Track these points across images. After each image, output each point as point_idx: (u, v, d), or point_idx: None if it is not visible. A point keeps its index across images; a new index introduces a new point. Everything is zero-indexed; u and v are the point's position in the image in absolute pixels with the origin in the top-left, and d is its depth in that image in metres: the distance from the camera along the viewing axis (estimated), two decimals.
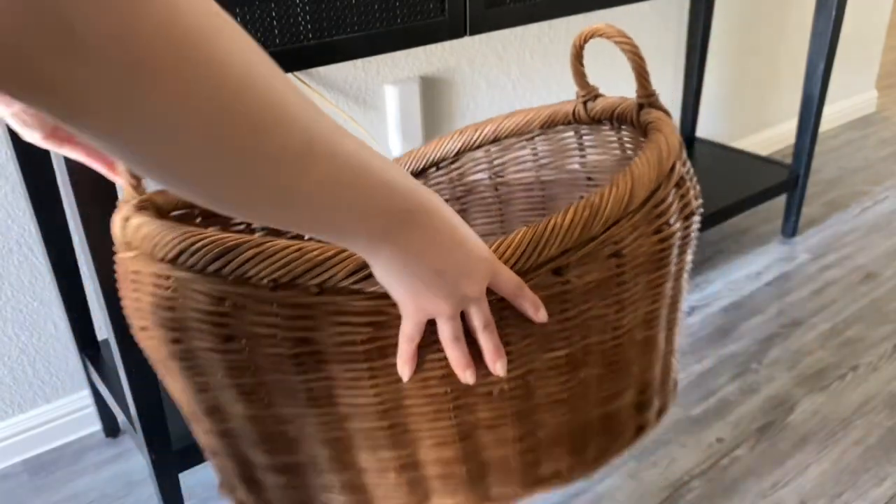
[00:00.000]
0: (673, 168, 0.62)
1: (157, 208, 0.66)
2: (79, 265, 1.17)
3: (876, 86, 2.75)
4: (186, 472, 1.24)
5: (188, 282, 0.54)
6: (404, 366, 0.54)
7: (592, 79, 0.78)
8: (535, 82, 1.72)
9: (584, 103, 0.79)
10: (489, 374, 0.55)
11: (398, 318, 0.53)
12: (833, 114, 2.57)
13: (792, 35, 2.26)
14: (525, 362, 0.58)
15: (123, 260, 0.59)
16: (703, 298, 1.67)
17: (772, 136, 2.39)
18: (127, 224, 0.59)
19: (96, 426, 1.34)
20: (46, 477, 1.25)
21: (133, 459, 1.28)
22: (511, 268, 0.53)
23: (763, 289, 1.70)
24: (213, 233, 0.53)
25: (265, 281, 0.52)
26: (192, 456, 1.06)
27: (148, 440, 1.01)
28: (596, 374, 0.62)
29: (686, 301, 1.66)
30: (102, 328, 1.28)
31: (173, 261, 0.54)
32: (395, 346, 0.54)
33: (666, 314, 0.67)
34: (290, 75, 0.86)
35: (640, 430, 0.70)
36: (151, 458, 1.02)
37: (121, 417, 1.14)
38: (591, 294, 0.58)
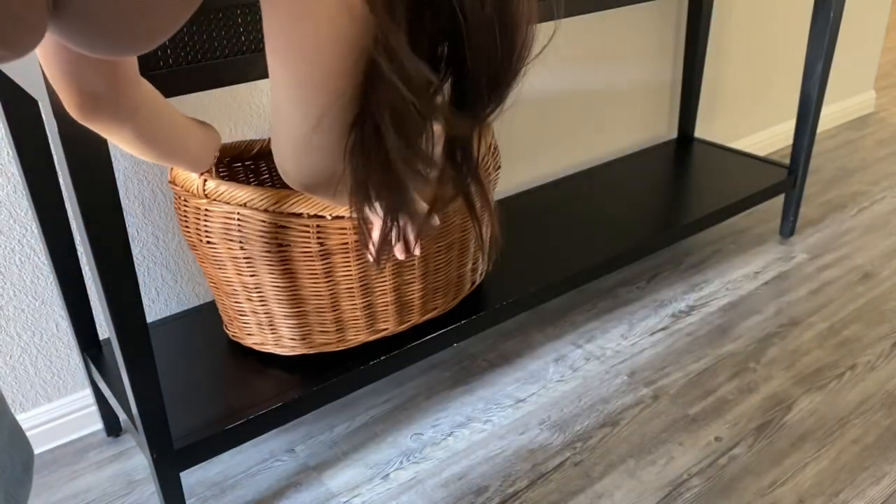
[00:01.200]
0: (490, 144, 1.20)
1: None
2: (80, 265, 1.18)
3: (874, 86, 2.75)
4: (187, 471, 1.24)
5: (254, 215, 1.03)
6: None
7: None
8: (532, 83, 1.73)
9: None
10: (411, 255, 1.01)
11: (370, 231, 1.03)
12: (831, 114, 2.57)
13: (790, 35, 2.27)
14: (426, 248, 1.16)
15: (199, 204, 1.05)
16: (701, 298, 1.67)
17: (770, 137, 2.40)
18: (206, 184, 1.03)
19: (98, 425, 1.34)
20: (48, 476, 1.26)
21: (134, 458, 1.28)
22: None
23: (761, 288, 1.70)
24: (270, 189, 1.03)
25: (305, 214, 1.04)
26: (193, 455, 1.06)
27: (149, 439, 1.01)
28: (456, 253, 1.23)
29: (684, 300, 1.66)
30: (104, 327, 1.28)
31: (243, 205, 1.02)
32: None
33: (486, 224, 1.30)
34: None
35: (473, 283, 1.33)
36: (152, 457, 1.02)
37: (122, 416, 1.14)
38: (456, 213, 1.17)
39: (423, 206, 0.88)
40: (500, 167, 1.25)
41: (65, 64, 0.66)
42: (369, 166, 0.56)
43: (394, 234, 0.78)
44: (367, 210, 0.62)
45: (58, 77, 0.67)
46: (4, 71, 0.92)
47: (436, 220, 1.00)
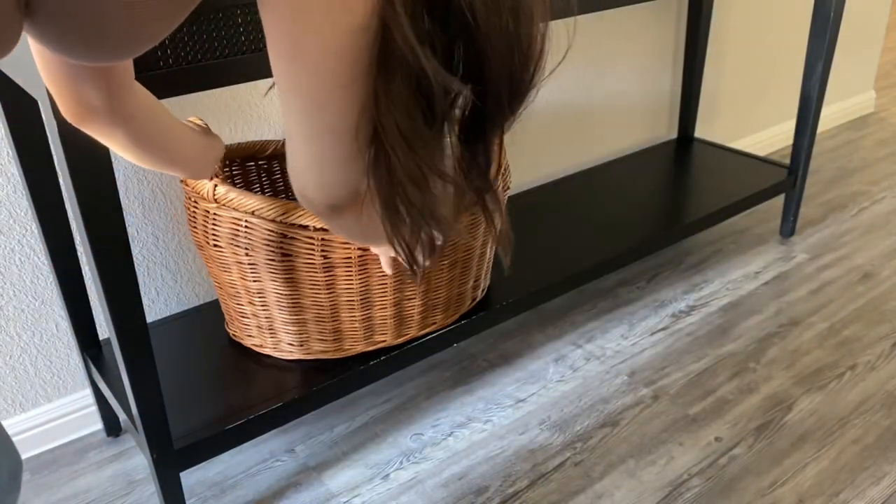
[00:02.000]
0: (502, 165, 1.20)
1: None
2: (80, 265, 1.18)
3: (874, 86, 2.75)
4: (187, 471, 1.24)
5: (261, 223, 1.04)
6: (387, 266, 1.05)
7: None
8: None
9: None
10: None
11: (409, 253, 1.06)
12: (831, 114, 2.57)
13: (790, 36, 2.27)
14: (429, 266, 1.09)
15: (208, 207, 1.07)
16: (701, 298, 1.67)
17: (770, 137, 2.40)
18: (216, 189, 1.05)
19: (97, 425, 1.34)
20: (48, 476, 1.26)
21: (134, 458, 1.28)
22: None
23: (761, 288, 1.70)
24: (278, 200, 1.04)
25: (311, 227, 1.05)
26: (193, 455, 1.06)
27: (149, 439, 1.01)
28: (459, 272, 1.23)
29: (684, 300, 1.66)
30: (104, 327, 1.28)
31: (251, 213, 1.04)
32: (371, 259, 1.09)
33: (490, 243, 1.27)
34: None
35: (474, 300, 1.32)
36: (152, 457, 1.02)
37: (122, 416, 1.14)
38: (461, 231, 1.16)
39: (447, 216, 0.83)
40: (509, 188, 1.25)
41: (59, 70, 0.66)
42: (391, 180, 0.54)
43: (424, 246, 0.71)
44: (402, 228, 0.59)
45: (52, 82, 0.67)
46: (4, 71, 0.92)
47: (457, 230, 0.96)
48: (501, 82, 0.51)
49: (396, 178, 0.54)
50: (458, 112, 0.55)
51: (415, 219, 0.58)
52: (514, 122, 0.56)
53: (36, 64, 0.67)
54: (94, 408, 1.33)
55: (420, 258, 0.75)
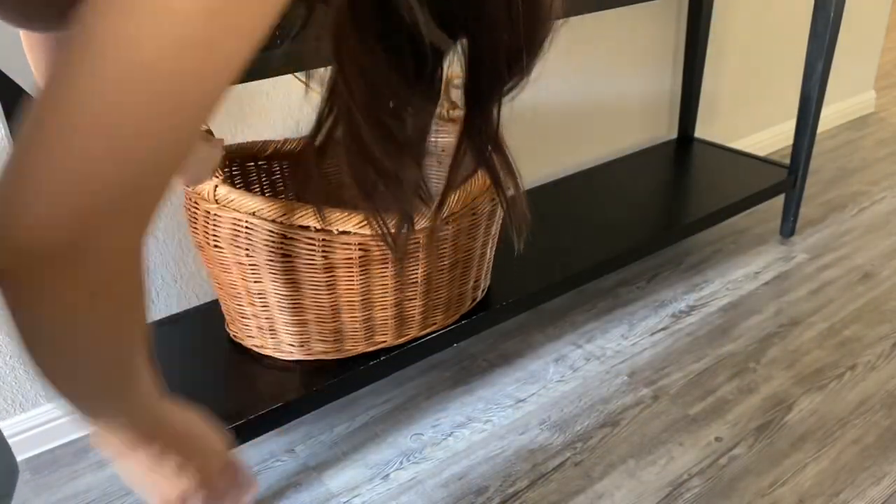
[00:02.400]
0: None
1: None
2: None
3: (874, 86, 2.75)
4: None
5: (262, 224, 1.04)
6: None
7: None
8: (531, 82, 1.73)
9: (448, 111, 1.33)
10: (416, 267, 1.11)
11: (378, 247, 1.07)
12: (831, 114, 2.57)
13: (790, 36, 2.27)
14: (427, 266, 1.16)
15: (208, 208, 1.07)
16: (701, 298, 1.67)
17: (770, 137, 2.40)
18: (217, 190, 1.05)
19: None
20: (48, 476, 1.26)
21: None
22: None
23: (761, 288, 1.70)
24: (279, 201, 1.04)
25: (312, 227, 1.04)
26: None
27: None
28: (459, 272, 1.23)
29: (684, 300, 1.66)
30: None
31: (252, 213, 1.03)
32: (372, 260, 1.09)
33: (490, 244, 1.29)
34: (294, 74, 0.87)
35: (474, 300, 1.32)
36: None
37: None
38: (461, 232, 1.18)
39: (425, 186, 0.64)
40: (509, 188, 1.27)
41: (47, 63, 0.65)
42: (354, 134, 0.45)
43: (401, 217, 0.59)
44: (374, 198, 0.52)
45: (38, 70, 0.67)
46: (4, 70, 0.92)
47: (425, 203, 0.78)
48: (502, 42, 0.44)
49: (361, 131, 0.45)
50: (459, 69, 0.48)
51: (388, 185, 0.50)
52: (521, 85, 0.49)
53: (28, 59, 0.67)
54: None
55: (395, 231, 0.58)
